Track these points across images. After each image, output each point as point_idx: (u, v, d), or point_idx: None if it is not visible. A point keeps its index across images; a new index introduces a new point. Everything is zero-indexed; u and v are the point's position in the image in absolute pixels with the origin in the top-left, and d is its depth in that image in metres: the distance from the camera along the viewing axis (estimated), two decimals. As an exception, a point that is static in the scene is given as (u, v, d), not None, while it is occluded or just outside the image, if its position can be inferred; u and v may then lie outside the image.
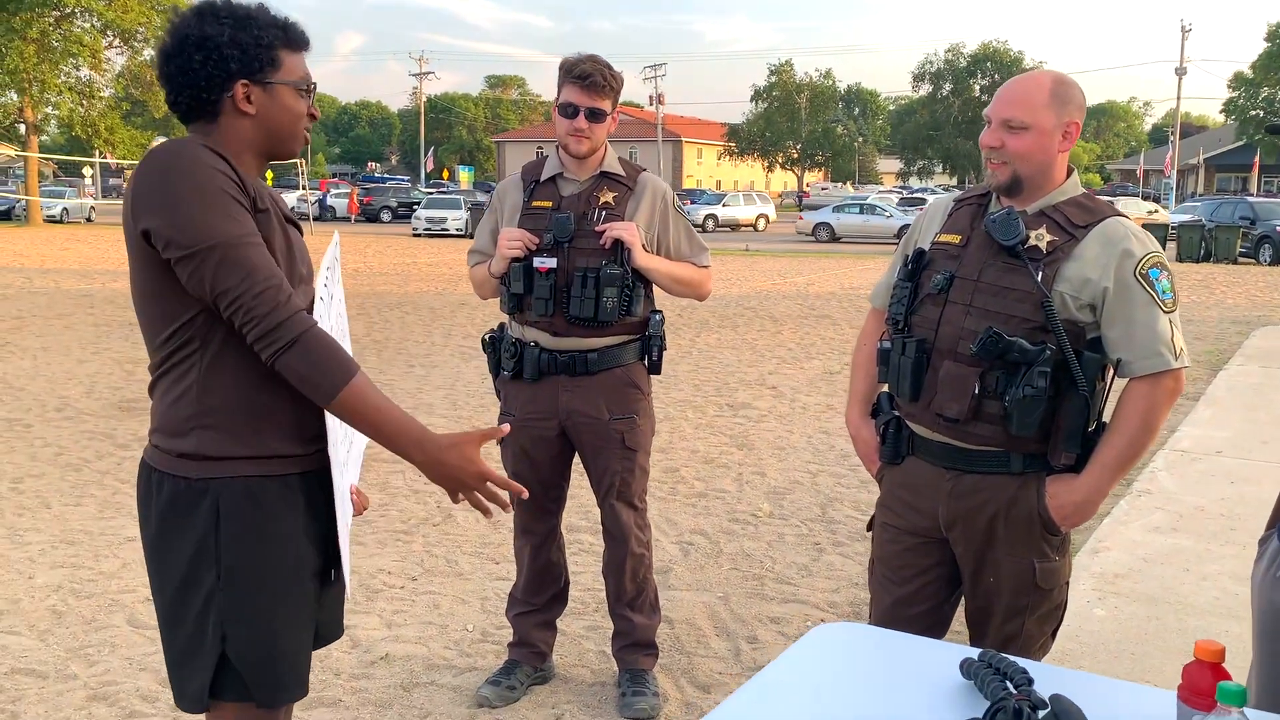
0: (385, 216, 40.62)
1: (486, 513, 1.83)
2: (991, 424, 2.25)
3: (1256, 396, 8.06)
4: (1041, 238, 2.25)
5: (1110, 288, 2.20)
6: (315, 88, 1.94)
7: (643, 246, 2.99)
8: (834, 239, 32.84)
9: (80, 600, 3.99)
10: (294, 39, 1.89)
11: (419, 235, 31.91)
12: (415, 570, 4.35)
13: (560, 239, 2.95)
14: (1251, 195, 35.90)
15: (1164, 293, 2.22)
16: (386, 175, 75.25)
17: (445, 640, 3.68)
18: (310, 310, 1.83)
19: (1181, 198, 43.65)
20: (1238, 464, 6.09)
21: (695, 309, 13.14)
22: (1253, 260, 24.05)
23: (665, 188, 3.12)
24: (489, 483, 1.80)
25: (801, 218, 35.28)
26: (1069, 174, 2.33)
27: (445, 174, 68.53)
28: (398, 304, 14.16)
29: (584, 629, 3.79)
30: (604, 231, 2.95)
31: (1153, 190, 49.19)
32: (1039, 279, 2.21)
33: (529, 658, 3.32)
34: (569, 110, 2.94)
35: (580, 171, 3.04)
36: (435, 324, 12.21)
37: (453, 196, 36.42)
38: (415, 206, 36.25)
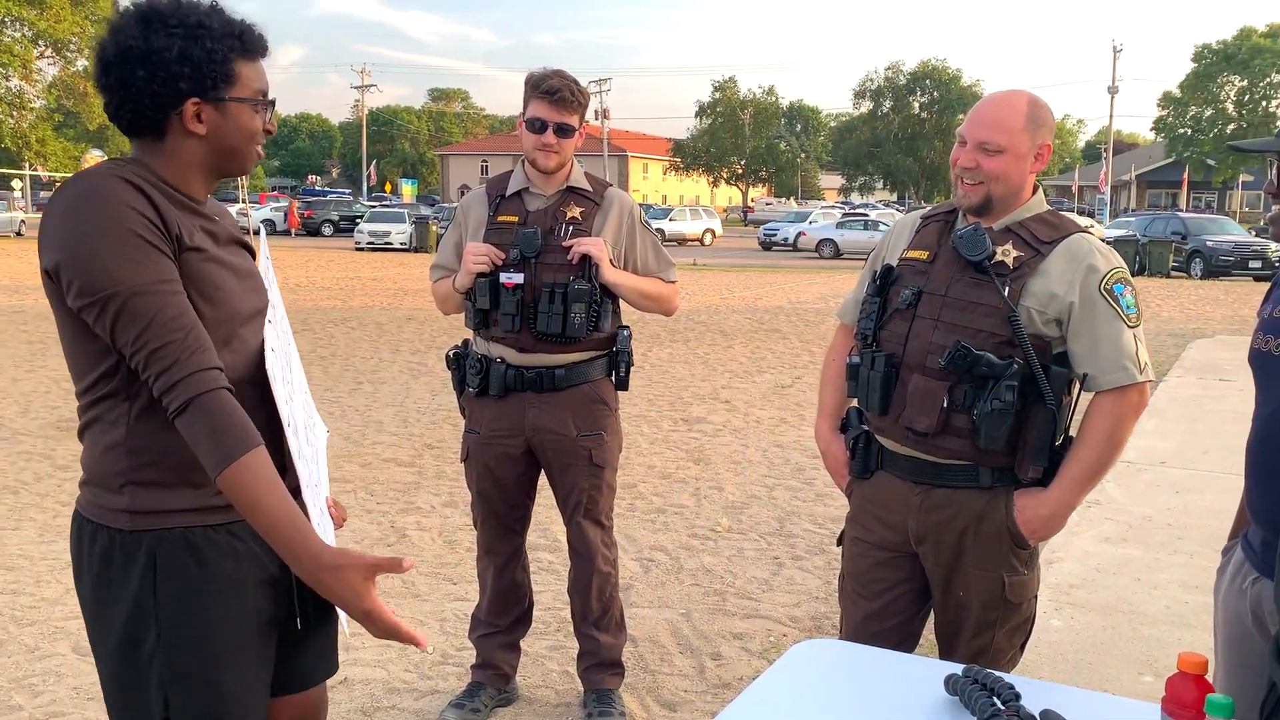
0: (327, 230, 40.10)
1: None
2: (960, 438, 2.27)
3: (1196, 408, 8.26)
4: (1008, 253, 2.28)
5: (1076, 303, 2.24)
6: (275, 103, 1.77)
7: (610, 262, 2.98)
8: (838, 255, 32.99)
9: (22, 628, 3.85)
10: (251, 47, 1.71)
11: (362, 249, 31.54)
12: (372, 591, 4.26)
13: (527, 254, 2.92)
14: (1182, 211, 36.94)
15: (1128, 308, 2.26)
16: (327, 189, 74.40)
17: (405, 663, 3.61)
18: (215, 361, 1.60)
19: (1115, 213, 44.77)
20: (1181, 474, 6.23)
21: (646, 323, 13.15)
22: (1184, 274, 24.74)
23: (632, 203, 3.11)
24: (381, 624, 1.55)
25: (805, 234, 35.02)
26: (1034, 191, 2.37)
27: (388, 187, 67.98)
28: (342, 319, 13.96)
29: (547, 649, 3.74)
30: (572, 247, 2.93)
31: (1088, 205, 50.36)
32: (1005, 294, 2.24)
33: (493, 680, 3.27)
34: (537, 125, 2.92)
35: (547, 186, 3.02)
36: (382, 339, 12.06)
37: (396, 210, 36.10)
38: (358, 220, 35.82)
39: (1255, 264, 23.44)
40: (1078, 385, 2.31)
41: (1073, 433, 2.34)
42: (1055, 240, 2.28)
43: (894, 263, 2.44)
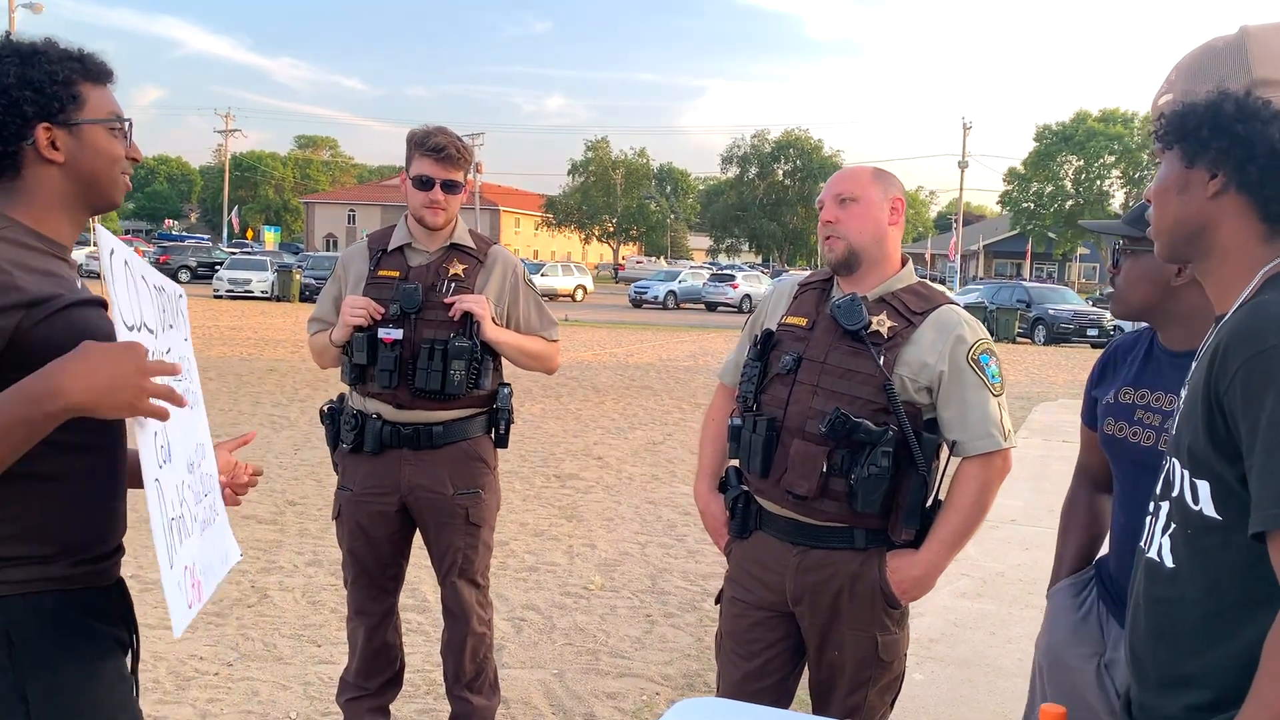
0: (184, 276, 38.50)
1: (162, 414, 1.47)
2: (837, 501, 2.33)
3: (1042, 468, 8.69)
4: (882, 323, 2.37)
5: (945, 371, 2.34)
6: (131, 125, 1.70)
7: (493, 319, 2.98)
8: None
9: None
10: (94, 71, 1.66)
11: (221, 297, 30.46)
12: (230, 655, 4.07)
13: (408, 310, 2.89)
14: (1026, 280, 39.11)
15: (993, 377, 2.39)
16: (185, 233, 71.84)
17: (265, 731, 3.45)
18: None
19: (964, 281, 47.08)
20: (1030, 531, 6.54)
21: (519, 378, 13.03)
22: (1029, 340, 26.16)
23: (516, 261, 3.12)
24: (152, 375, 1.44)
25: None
26: (904, 263, 2.49)
27: (250, 234, 66.07)
28: (200, 369, 13.39)
29: (416, 712, 3.64)
30: (453, 303, 2.91)
31: (939, 273, 52.87)
32: (881, 362, 2.33)
33: (360, 746, 3.15)
34: (426, 183, 2.91)
35: (430, 243, 3.00)
36: (242, 391, 11.63)
37: (258, 257, 35.09)
38: (217, 267, 34.67)
39: (1093, 331, 24.98)
40: (946, 450, 2.42)
41: (941, 495, 2.44)
42: (926, 311, 2.39)
43: (773, 327, 2.51)
